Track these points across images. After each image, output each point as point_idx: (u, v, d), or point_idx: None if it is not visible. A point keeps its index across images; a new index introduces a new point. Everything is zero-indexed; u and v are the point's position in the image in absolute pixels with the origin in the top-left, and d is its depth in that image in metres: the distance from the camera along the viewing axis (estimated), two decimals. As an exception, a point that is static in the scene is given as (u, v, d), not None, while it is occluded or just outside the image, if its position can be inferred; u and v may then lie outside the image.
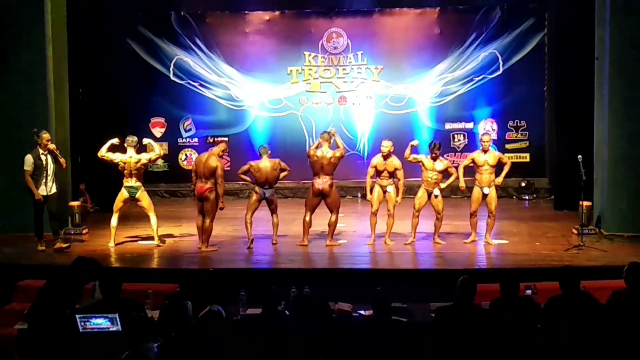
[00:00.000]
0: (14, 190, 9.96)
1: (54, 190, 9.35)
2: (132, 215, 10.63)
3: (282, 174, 9.57)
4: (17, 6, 10.08)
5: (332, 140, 9.53)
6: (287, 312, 6.03)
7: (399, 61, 14.69)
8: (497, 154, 9.86)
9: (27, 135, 9.95)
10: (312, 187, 9.48)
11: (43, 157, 9.20)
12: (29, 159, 9.12)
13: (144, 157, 9.51)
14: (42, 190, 9.20)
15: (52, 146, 9.27)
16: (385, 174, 9.50)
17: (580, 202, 9.74)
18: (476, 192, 9.52)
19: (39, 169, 9.18)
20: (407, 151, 9.62)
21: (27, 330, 5.87)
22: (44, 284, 5.85)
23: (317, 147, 9.52)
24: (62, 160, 9.37)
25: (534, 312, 5.62)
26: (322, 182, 9.39)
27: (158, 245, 9.50)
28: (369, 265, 8.79)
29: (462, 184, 9.61)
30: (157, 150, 9.73)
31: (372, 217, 9.57)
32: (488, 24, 14.46)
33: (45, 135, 9.24)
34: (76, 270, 5.76)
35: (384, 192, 9.51)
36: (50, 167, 9.28)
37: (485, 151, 9.49)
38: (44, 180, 9.21)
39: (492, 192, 9.46)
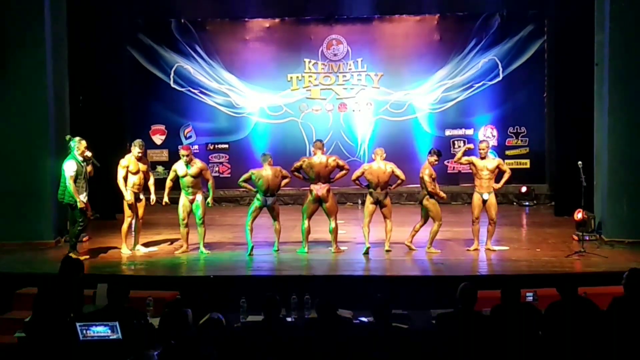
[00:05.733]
0: (13, 197, 9.97)
1: (86, 198, 9.23)
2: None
3: (284, 182, 9.57)
4: (17, 14, 10.10)
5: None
6: (288, 320, 6.01)
7: (399, 68, 14.71)
8: (497, 160, 9.80)
9: (27, 143, 9.99)
10: (310, 194, 9.47)
11: (82, 164, 9.06)
12: (72, 164, 8.95)
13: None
14: (83, 198, 9.06)
15: (89, 154, 9.14)
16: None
17: (579, 210, 9.80)
18: (476, 198, 9.52)
19: (79, 176, 9.02)
20: (460, 154, 9.70)
21: (28, 338, 5.87)
22: (37, 292, 5.91)
23: (311, 157, 9.54)
24: (89, 168, 9.21)
25: (535, 319, 5.61)
26: (320, 188, 9.39)
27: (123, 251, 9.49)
28: (370, 272, 8.77)
29: (459, 155, 9.72)
30: None
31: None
32: (488, 30, 14.49)
33: (83, 142, 9.12)
34: (65, 270, 5.94)
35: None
36: (87, 174, 9.16)
37: (483, 158, 9.50)
38: (83, 188, 9.08)
39: (491, 198, 9.46)
